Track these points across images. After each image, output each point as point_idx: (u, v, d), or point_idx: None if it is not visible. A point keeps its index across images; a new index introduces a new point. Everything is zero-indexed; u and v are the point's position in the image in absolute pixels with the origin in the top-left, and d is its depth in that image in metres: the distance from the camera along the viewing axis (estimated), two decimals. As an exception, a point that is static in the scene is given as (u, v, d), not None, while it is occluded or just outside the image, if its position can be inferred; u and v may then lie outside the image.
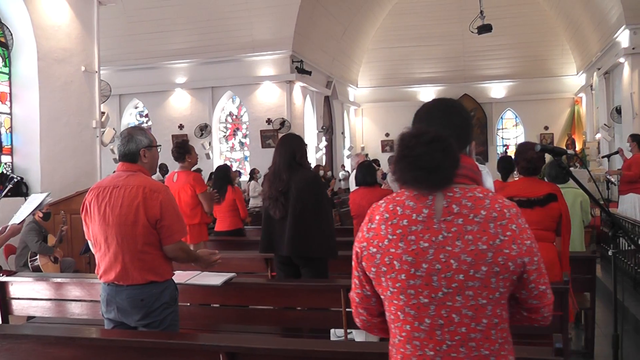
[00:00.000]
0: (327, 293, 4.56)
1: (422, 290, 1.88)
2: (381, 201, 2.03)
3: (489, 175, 2.13)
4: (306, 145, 5.51)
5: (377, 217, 1.99)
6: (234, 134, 21.81)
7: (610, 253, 3.22)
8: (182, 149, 7.16)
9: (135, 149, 3.89)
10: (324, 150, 22.38)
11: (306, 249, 5.07)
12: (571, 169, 20.18)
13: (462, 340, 1.87)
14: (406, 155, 1.87)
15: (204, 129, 20.59)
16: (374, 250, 1.96)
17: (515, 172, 6.18)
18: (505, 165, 8.59)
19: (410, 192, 1.94)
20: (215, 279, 4.63)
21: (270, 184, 5.20)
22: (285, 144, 5.32)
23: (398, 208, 1.95)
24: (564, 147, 24.16)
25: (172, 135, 19.81)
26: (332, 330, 5.13)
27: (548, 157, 3.84)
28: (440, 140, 1.86)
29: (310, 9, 19.82)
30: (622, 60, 18.48)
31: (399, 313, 1.95)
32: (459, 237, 1.85)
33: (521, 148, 4.77)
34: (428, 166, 1.83)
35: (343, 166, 24.09)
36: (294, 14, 19.02)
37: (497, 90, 27.40)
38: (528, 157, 4.70)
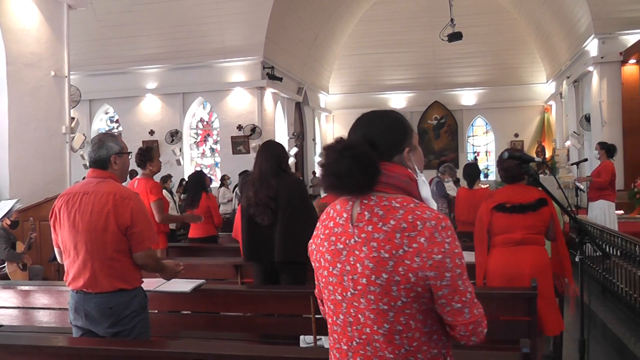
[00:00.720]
0: (297, 299, 4.56)
1: (337, 288, 2.02)
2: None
3: (425, 184, 2.14)
4: (287, 152, 5.53)
5: (321, 218, 2.16)
6: (205, 140, 21.75)
7: (577, 259, 3.26)
8: (144, 156, 7.03)
9: (106, 155, 3.87)
10: (294, 157, 22.35)
11: (298, 254, 5.04)
12: (540, 176, 20.48)
13: (367, 339, 1.95)
14: (323, 164, 1.97)
15: (175, 135, 20.51)
16: (314, 247, 2.14)
17: (481, 179, 6.22)
18: (471, 172, 8.68)
19: (342, 198, 2.06)
20: (184, 285, 4.61)
21: (256, 189, 5.11)
22: (270, 149, 5.26)
23: (331, 210, 2.11)
24: (534, 154, 24.50)
25: (143, 141, 19.69)
26: (301, 337, 5.13)
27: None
28: (351, 148, 1.93)
29: (282, 15, 19.85)
30: (591, 69, 18.76)
31: (325, 306, 2.14)
32: (366, 243, 1.92)
33: (499, 158, 4.85)
34: (338, 172, 1.92)
35: (314, 173, 24.10)
36: (265, 20, 19.03)
37: (467, 97, 27.63)
38: (505, 167, 4.77)
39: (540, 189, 4.24)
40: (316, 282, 2.23)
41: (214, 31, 19.44)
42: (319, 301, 2.32)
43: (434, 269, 1.87)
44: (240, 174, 10.34)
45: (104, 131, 19.35)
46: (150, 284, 4.56)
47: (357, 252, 1.94)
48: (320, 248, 2.08)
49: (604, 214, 9.65)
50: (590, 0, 17.64)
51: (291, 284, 5.11)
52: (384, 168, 1.98)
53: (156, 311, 4.87)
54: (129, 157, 4.07)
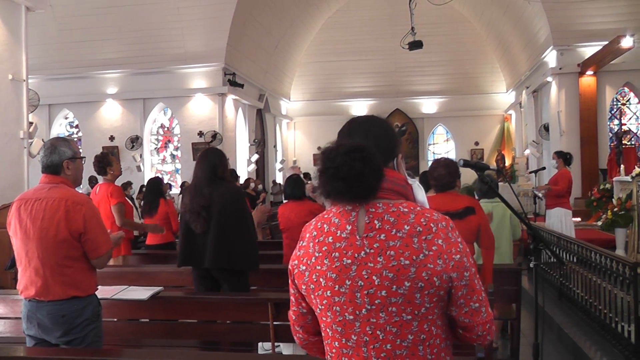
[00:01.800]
0: (255, 306, 4.55)
1: (347, 307, 1.87)
2: (313, 219, 2.04)
3: (420, 189, 2.12)
4: (227, 159, 5.53)
5: (307, 235, 2.00)
6: (166, 146, 21.55)
7: (531, 265, 3.29)
8: (103, 162, 7.01)
9: (59, 160, 3.82)
10: (255, 164, 22.29)
11: (229, 261, 5.06)
12: (500, 183, 20.74)
13: (387, 357, 1.85)
14: (328, 168, 1.86)
15: (135, 141, 20.30)
16: (304, 268, 1.97)
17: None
18: (426, 180, 8.76)
19: (337, 209, 1.95)
20: (141, 293, 4.57)
21: (191, 198, 5.17)
22: (206, 158, 5.30)
23: (325, 225, 1.96)
24: (494, 163, 24.79)
25: (103, 147, 19.44)
26: (259, 344, 5.12)
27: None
28: (359, 150, 1.84)
29: (243, 22, 19.80)
30: (549, 79, 19.12)
31: (328, 330, 1.96)
32: (380, 253, 1.83)
33: (431, 167, 4.91)
34: (348, 176, 1.82)
35: (274, 181, 24.05)
36: (226, 26, 18.96)
37: (428, 105, 27.84)
38: (435, 176, 4.85)
39: (472, 198, 4.29)
40: (295, 307, 2.13)
41: (175, 37, 19.31)
42: (295, 327, 2.18)
43: (455, 270, 1.85)
44: (183, 184, 10.28)
45: (62, 136, 19.16)
46: (107, 291, 4.51)
47: (370, 264, 1.84)
48: (318, 267, 1.92)
49: (560, 221, 9.78)
50: (549, 13, 17.98)
51: (232, 291, 5.13)
52: (385, 173, 1.92)
53: (115, 319, 4.82)
54: (83, 162, 4.02)
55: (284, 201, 7.31)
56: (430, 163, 26.50)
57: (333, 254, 1.89)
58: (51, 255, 3.65)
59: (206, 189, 5.12)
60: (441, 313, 1.90)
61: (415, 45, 16.18)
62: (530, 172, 17.99)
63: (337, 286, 1.88)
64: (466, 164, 3.36)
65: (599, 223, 11.61)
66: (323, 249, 1.92)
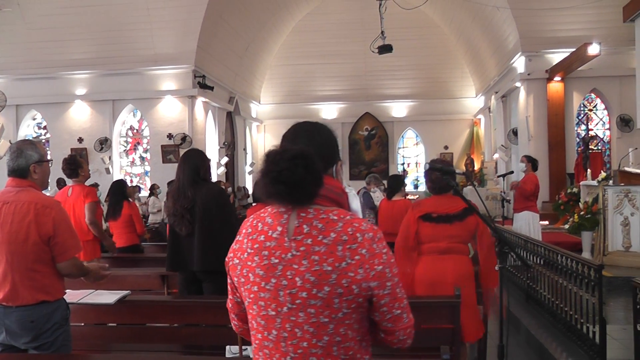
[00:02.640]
0: (222, 309, 4.50)
1: (270, 304, 1.97)
2: (251, 216, 2.12)
3: (356, 198, 2.18)
4: (209, 160, 5.53)
5: (244, 231, 2.09)
6: (135, 149, 21.37)
7: (496, 268, 3.34)
8: (74, 164, 6.96)
9: (25, 164, 3.78)
10: (225, 167, 22.19)
11: (215, 263, 5.04)
12: (469, 187, 20.90)
13: (304, 353, 1.94)
14: (271, 171, 1.93)
15: (104, 143, 20.11)
16: (237, 261, 2.06)
17: (411, 190, 6.27)
18: (391, 184, 8.85)
19: (272, 209, 2.03)
20: (108, 297, 4.53)
21: (174, 200, 5.17)
22: (188, 159, 5.30)
23: (259, 224, 2.04)
24: (464, 167, 25.02)
25: (72, 149, 19.21)
26: (227, 347, 5.10)
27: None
28: (303, 157, 1.92)
29: (213, 24, 19.74)
30: (518, 85, 19.38)
31: (253, 322, 2.06)
32: (305, 256, 1.90)
33: (427, 169, 4.92)
34: (290, 181, 1.89)
35: (239, 187, 23.92)
36: (196, 28, 18.89)
37: (398, 109, 27.97)
38: (432, 178, 4.88)
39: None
40: (231, 296, 2.22)
41: (145, 38, 19.18)
42: (232, 315, 2.31)
43: (376, 279, 1.90)
44: (168, 183, 10.26)
45: (31, 138, 18.94)
46: (74, 295, 4.46)
47: (295, 266, 1.91)
48: (249, 263, 2.01)
49: (528, 224, 9.91)
50: (517, 20, 18.24)
51: (214, 293, 5.12)
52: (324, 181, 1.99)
53: (82, 324, 4.78)
54: (50, 165, 3.98)
55: (253, 204, 7.27)
56: (399, 167, 26.79)
57: (263, 252, 1.97)
58: (20, 259, 3.62)
59: (189, 190, 5.13)
60: (360, 318, 1.97)
61: (385, 49, 16.26)
62: (499, 176, 18.20)
63: (263, 283, 1.97)
64: (433, 167, 3.39)
65: (566, 226, 11.76)
66: (255, 246, 2.00)
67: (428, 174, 4.98)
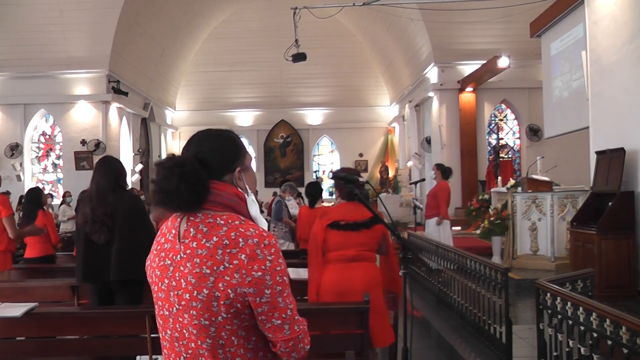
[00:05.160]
0: (132, 319, 4.46)
1: (164, 304, 2.04)
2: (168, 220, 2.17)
3: (254, 204, 2.18)
4: (125, 169, 5.43)
5: (158, 233, 2.17)
6: (47, 155, 20.78)
7: (401, 274, 3.41)
8: None
9: None
10: (139, 174, 21.83)
11: (135, 272, 4.93)
12: (384, 194, 21.20)
13: (193, 354, 1.98)
14: (154, 180, 2.00)
15: (15, 149, 19.49)
16: (149, 262, 2.15)
17: (326, 197, 6.26)
18: (312, 191, 8.89)
19: (175, 214, 2.09)
20: (14, 310, 4.40)
21: (93, 207, 4.97)
22: (108, 166, 5.16)
23: (164, 227, 2.13)
24: (378, 174, 25.33)
25: (-20, 155, 18.60)
26: (137, 357, 5.03)
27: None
28: (180, 166, 1.96)
29: (128, 28, 19.45)
30: (431, 94, 19.86)
31: (157, 319, 2.13)
32: (189, 259, 1.95)
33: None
34: (167, 189, 1.95)
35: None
36: (110, 32, 18.57)
37: (313, 117, 28.19)
38: (340, 186, 4.89)
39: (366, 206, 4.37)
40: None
41: (58, 40, 18.69)
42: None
43: (252, 286, 1.91)
44: (81, 193, 9.97)
45: None
46: (-22, 309, 4.32)
47: (182, 268, 1.96)
48: (152, 264, 2.10)
49: (438, 230, 10.12)
50: (430, 31, 18.71)
51: (127, 303, 5.02)
52: (212, 186, 2.01)
53: (-11, 338, 4.62)
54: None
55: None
56: (315, 174, 26.94)
57: (161, 254, 2.07)
58: None
59: (110, 196, 4.97)
60: (245, 325, 1.98)
61: (299, 57, 16.30)
62: (411, 183, 18.58)
63: (160, 283, 2.05)
64: (336, 175, 3.42)
65: (478, 232, 12.08)
66: (157, 248, 2.11)
67: (336, 182, 5.02)
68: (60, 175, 20.34)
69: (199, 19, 25.16)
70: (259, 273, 1.91)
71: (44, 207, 8.68)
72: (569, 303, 4.11)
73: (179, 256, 1.98)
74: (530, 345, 5.83)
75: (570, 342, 4.13)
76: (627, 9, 8.76)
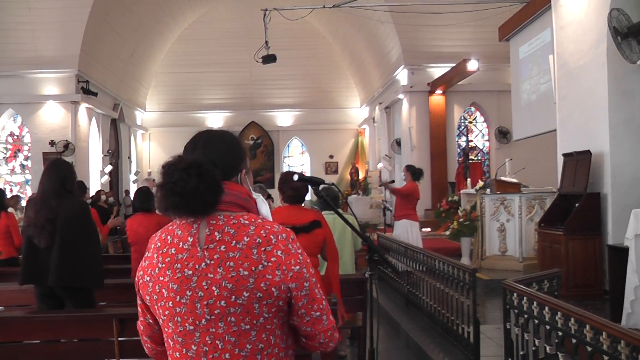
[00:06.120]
0: (99, 323, 4.43)
1: (187, 318, 1.90)
2: (159, 231, 2.06)
3: (264, 203, 2.16)
4: (75, 172, 5.36)
5: (152, 247, 2.01)
6: (15, 156, 20.53)
7: (366, 275, 3.44)
8: None
9: None
10: (109, 176, 21.67)
11: (74, 279, 4.89)
12: (354, 196, 21.27)
13: None
14: (166, 182, 1.88)
15: (-19, 150, 19.26)
16: (148, 279, 1.98)
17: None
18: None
19: (180, 221, 1.98)
20: (-22, 313, 4.34)
21: (36, 210, 4.93)
22: (55, 169, 5.11)
23: (168, 237, 1.97)
24: (349, 175, 25.39)
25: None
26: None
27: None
28: (196, 166, 1.88)
29: (98, 28, 19.28)
30: (401, 96, 19.98)
31: (169, 340, 1.98)
32: (220, 264, 1.86)
33: (286, 177, 4.89)
34: (184, 191, 1.85)
35: (127, 192, 23.45)
36: (80, 31, 18.40)
37: (284, 118, 28.24)
38: (294, 186, 4.82)
39: (317, 211, 4.37)
40: (142, 318, 2.14)
41: (25, 39, 18.42)
42: (144, 338, 2.21)
43: (294, 280, 1.88)
44: (31, 195, 9.83)
45: None
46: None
47: (210, 275, 1.86)
48: (161, 278, 1.93)
49: (407, 231, 10.14)
50: (400, 34, 18.83)
51: (77, 308, 4.97)
52: (225, 187, 1.95)
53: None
54: None
55: (133, 214, 7.08)
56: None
57: (175, 265, 1.91)
58: None
59: (54, 201, 4.91)
60: (281, 322, 1.95)
61: (269, 59, 16.30)
62: (380, 185, 18.63)
63: (178, 297, 1.90)
64: (301, 178, 3.42)
65: (447, 233, 12.16)
66: (166, 260, 1.93)
67: (287, 182, 4.93)
68: (29, 177, 20.09)
69: (169, 19, 25.05)
70: (297, 267, 1.90)
71: (7, 210, 8.52)
72: (534, 303, 4.17)
73: (203, 264, 1.88)
74: (498, 344, 5.88)
75: (537, 341, 4.18)
76: (593, 15, 8.90)
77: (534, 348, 4.23)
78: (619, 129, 8.50)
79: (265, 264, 1.86)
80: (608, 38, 8.24)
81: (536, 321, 4.15)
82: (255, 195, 2.13)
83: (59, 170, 5.10)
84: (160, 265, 1.94)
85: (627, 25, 7.79)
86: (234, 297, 1.84)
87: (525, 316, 4.33)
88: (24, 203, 17.21)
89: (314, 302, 1.95)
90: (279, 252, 1.88)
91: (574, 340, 3.59)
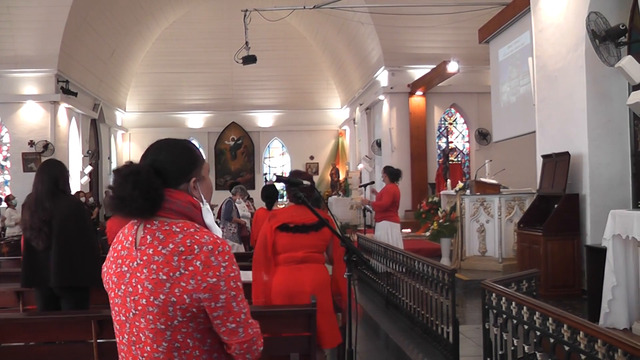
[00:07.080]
0: (78, 324, 4.41)
1: (121, 309, 2.09)
2: (125, 227, 2.20)
3: (209, 213, 2.23)
4: (68, 171, 5.35)
5: (115, 240, 2.20)
6: (-6, 156, 20.36)
7: (345, 276, 3.46)
8: None
9: None
10: (89, 176, 21.52)
11: (73, 278, 4.89)
12: (334, 197, 21.31)
13: (149, 357, 2.03)
14: (110, 186, 2.06)
15: (-41, 150, 19.07)
16: (105, 269, 2.19)
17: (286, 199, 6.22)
18: (269, 194, 8.92)
19: (132, 222, 2.13)
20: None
21: (31, 213, 4.92)
22: (47, 170, 5.08)
23: (121, 234, 2.17)
24: (329, 176, 25.46)
25: None
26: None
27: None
28: (135, 174, 2.02)
29: (77, 27, 19.15)
30: (381, 98, 20.02)
31: (114, 325, 2.18)
32: (146, 265, 2.00)
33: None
34: (121, 196, 2.00)
35: (107, 192, 23.26)
36: (59, 31, 18.27)
37: (264, 119, 28.21)
38: (301, 187, 4.86)
39: (324, 211, 4.40)
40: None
41: (5, 38, 18.27)
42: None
43: (207, 291, 1.97)
44: (27, 197, 9.77)
45: None
46: None
47: (138, 274, 2.01)
48: (109, 270, 2.14)
49: (387, 233, 10.15)
50: (381, 35, 18.89)
51: (72, 309, 4.96)
52: (168, 195, 2.07)
53: None
54: None
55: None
56: (266, 177, 26.91)
57: (118, 260, 2.11)
58: None
59: (47, 202, 4.90)
60: (201, 328, 2.04)
61: (249, 60, 16.29)
62: (361, 186, 18.66)
63: (117, 289, 2.10)
64: (279, 179, 3.43)
65: (427, 234, 12.21)
66: (114, 254, 2.14)
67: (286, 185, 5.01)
68: (8, 178, 19.91)
69: (149, 19, 24.94)
70: (214, 279, 1.98)
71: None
72: (513, 303, 4.20)
73: (135, 263, 2.03)
74: (477, 344, 5.92)
75: (515, 341, 4.22)
76: (571, 18, 8.99)
77: (512, 348, 4.27)
78: (598, 130, 8.59)
79: (183, 271, 1.98)
80: (586, 41, 8.32)
81: (515, 321, 4.19)
82: (203, 203, 2.20)
83: (50, 171, 5.09)
84: (111, 259, 2.16)
85: (605, 28, 7.87)
86: (152, 297, 1.99)
87: (504, 316, 4.36)
88: (2, 205, 17.16)
89: (229, 314, 2.04)
90: (197, 262, 1.98)
91: (551, 340, 3.63)
